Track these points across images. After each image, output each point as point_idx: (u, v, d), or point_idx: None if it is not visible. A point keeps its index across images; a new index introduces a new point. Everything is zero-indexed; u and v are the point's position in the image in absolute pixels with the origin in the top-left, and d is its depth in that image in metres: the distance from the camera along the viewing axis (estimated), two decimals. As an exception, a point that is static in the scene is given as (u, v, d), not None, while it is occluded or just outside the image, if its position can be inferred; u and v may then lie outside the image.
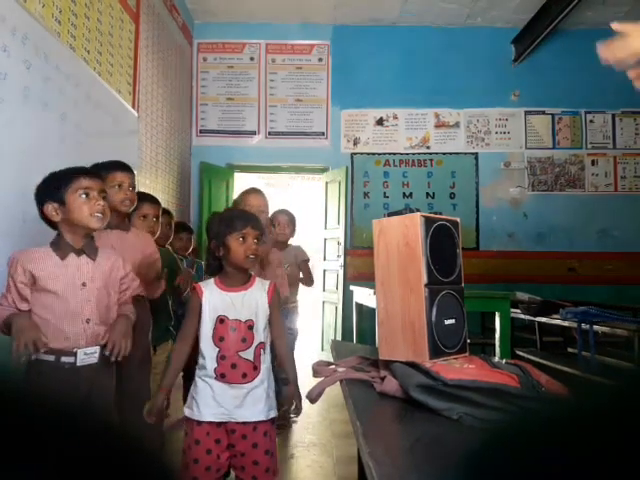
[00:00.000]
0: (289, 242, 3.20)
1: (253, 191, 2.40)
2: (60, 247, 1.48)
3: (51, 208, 1.45)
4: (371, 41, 5.09)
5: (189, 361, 1.65)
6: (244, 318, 1.56)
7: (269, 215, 2.53)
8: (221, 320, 1.56)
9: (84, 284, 1.48)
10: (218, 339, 1.55)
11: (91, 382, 1.47)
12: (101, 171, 1.88)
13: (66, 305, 1.44)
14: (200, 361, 1.58)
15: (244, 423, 1.55)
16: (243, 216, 1.64)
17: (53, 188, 1.46)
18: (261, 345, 1.58)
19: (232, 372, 1.53)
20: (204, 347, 1.56)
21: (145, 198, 2.24)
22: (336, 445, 2.73)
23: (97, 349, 1.49)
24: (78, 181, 1.46)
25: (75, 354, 1.45)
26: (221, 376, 1.54)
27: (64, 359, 1.44)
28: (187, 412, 1.57)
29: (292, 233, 3.17)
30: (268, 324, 1.62)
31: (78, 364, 1.45)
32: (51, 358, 1.43)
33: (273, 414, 1.59)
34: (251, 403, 1.55)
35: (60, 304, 1.43)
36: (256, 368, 1.56)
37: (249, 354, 1.55)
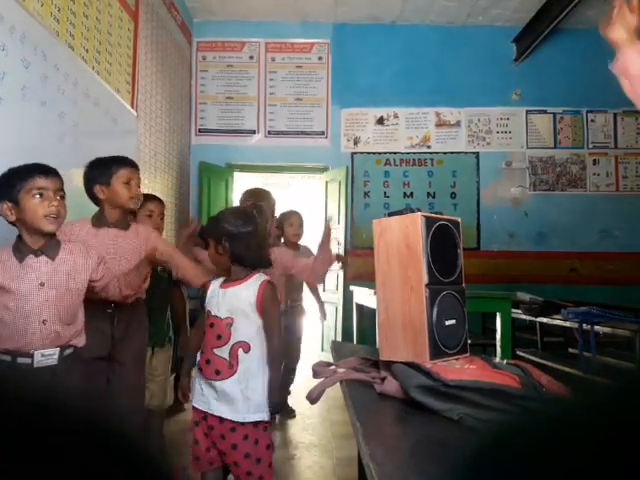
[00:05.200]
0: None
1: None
2: (19, 249, 1.43)
3: (6, 208, 1.39)
4: (371, 40, 5.07)
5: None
6: (223, 315, 1.57)
7: (277, 216, 2.74)
8: (208, 314, 1.62)
9: (42, 284, 1.43)
10: (204, 333, 1.62)
11: (51, 384, 1.42)
12: (110, 166, 1.82)
13: (23, 305, 1.40)
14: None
15: (221, 421, 1.56)
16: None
17: (8, 187, 1.39)
18: (241, 344, 1.55)
19: (206, 367, 1.57)
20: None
21: (151, 196, 2.37)
22: (336, 446, 2.72)
23: (56, 351, 1.45)
24: (33, 181, 1.40)
25: (32, 355, 1.41)
26: (199, 369, 1.60)
27: (20, 360, 1.41)
28: (191, 395, 1.65)
29: (302, 234, 3.22)
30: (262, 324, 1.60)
31: (35, 365, 1.41)
32: (7, 358, 1.41)
33: (254, 418, 1.54)
34: (225, 401, 1.54)
35: (17, 305, 1.39)
36: (232, 367, 1.54)
37: (224, 352, 1.55)
